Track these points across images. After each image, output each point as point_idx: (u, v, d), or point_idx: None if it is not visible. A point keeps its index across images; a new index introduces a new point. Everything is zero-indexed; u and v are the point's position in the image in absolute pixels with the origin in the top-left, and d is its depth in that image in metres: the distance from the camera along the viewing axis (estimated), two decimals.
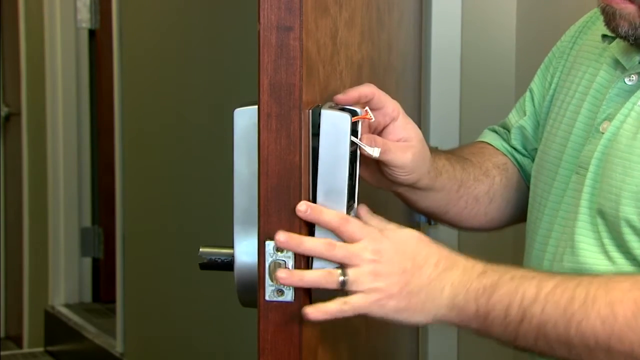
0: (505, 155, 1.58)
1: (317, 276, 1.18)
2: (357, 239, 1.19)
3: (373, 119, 1.26)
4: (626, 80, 1.34)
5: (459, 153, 1.55)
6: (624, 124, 1.31)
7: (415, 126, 1.37)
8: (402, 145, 1.34)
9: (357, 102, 1.26)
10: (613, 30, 1.30)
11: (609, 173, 1.30)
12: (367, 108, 1.26)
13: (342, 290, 1.19)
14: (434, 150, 1.47)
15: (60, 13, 4.40)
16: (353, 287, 1.18)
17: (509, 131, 1.58)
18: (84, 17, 4.37)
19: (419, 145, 1.37)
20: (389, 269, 1.19)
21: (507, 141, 1.58)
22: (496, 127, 1.61)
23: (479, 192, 1.52)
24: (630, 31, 1.29)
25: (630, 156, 1.28)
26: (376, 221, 1.25)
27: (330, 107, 1.21)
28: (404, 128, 1.35)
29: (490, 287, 1.20)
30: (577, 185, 1.36)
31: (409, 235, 1.22)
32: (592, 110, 1.38)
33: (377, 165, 1.36)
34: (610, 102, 1.35)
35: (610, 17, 1.30)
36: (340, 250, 1.18)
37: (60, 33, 4.42)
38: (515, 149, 1.57)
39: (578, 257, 1.32)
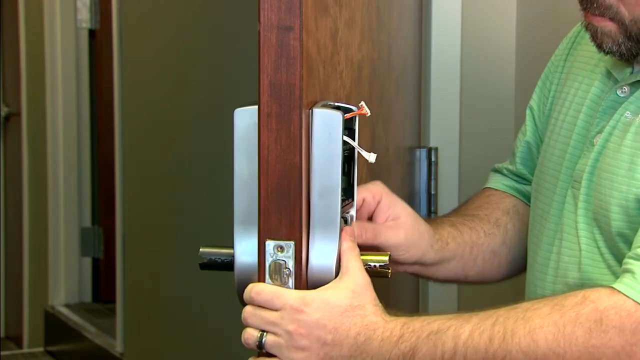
0: (513, 195, 1.56)
1: (243, 335, 1.21)
2: (274, 308, 1.19)
3: (369, 114, 1.25)
4: (618, 92, 1.33)
5: (464, 211, 1.54)
6: (612, 136, 1.31)
7: (402, 203, 1.39)
8: (392, 225, 1.37)
9: None
10: (598, 46, 1.30)
11: (599, 188, 1.30)
12: (362, 103, 1.25)
13: (261, 351, 1.21)
14: (436, 221, 1.47)
15: (60, 13, 4.40)
16: (272, 352, 1.20)
17: (514, 153, 1.56)
18: (84, 17, 4.37)
19: (409, 220, 1.38)
20: (307, 343, 1.19)
21: (512, 174, 1.56)
22: (498, 166, 1.60)
23: (494, 245, 1.51)
24: (614, 47, 1.28)
25: (617, 169, 1.28)
26: (349, 245, 1.24)
27: (324, 106, 1.21)
28: (389, 207, 1.37)
29: (409, 352, 1.19)
30: (573, 199, 1.35)
31: (336, 301, 1.20)
32: (588, 121, 1.38)
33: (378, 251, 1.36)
34: (603, 115, 1.34)
35: (593, 35, 1.29)
36: (254, 319, 1.20)
37: (60, 33, 4.42)
38: (520, 177, 1.55)
39: (582, 273, 1.32)
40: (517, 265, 1.54)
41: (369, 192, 1.37)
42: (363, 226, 1.33)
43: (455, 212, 1.56)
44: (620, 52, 1.28)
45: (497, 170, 1.60)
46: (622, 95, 1.33)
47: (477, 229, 1.50)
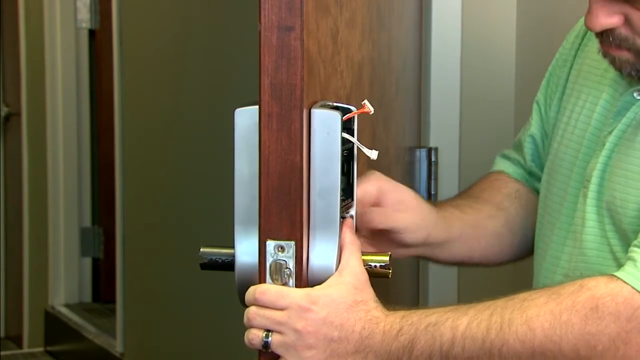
0: (519, 181, 1.56)
1: (246, 335, 1.21)
2: (280, 308, 1.19)
3: (372, 111, 1.25)
4: (635, 94, 1.34)
5: (468, 193, 1.56)
6: (625, 133, 1.31)
7: (404, 187, 1.43)
8: (399, 208, 1.40)
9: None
10: (618, 71, 1.32)
11: (612, 185, 1.30)
12: (365, 101, 1.25)
13: (267, 352, 1.20)
14: (440, 203, 1.50)
15: (60, 13, 4.40)
16: (278, 351, 1.20)
17: (522, 148, 1.56)
18: (84, 17, 4.37)
19: (413, 202, 1.42)
20: (314, 341, 1.19)
21: (522, 165, 1.57)
22: (507, 153, 1.60)
23: (497, 227, 1.52)
24: (633, 72, 1.30)
25: (631, 166, 1.28)
26: (350, 238, 1.24)
27: (322, 106, 1.21)
28: (392, 192, 1.41)
29: (408, 344, 1.20)
30: (584, 199, 1.35)
31: (341, 298, 1.21)
32: (602, 122, 1.38)
33: (386, 238, 1.40)
34: (616, 116, 1.35)
35: (612, 62, 1.31)
36: (259, 319, 1.20)
37: (60, 33, 4.42)
38: (531, 172, 1.56)
39: (593, 273, 1.31)
40: (520, 250, 1.55)
41: (367, 182, 1.39)
42: (372, 211, 1.36)
43: (459, 195, 1.58)
44: (639, 76, 1.30)
45: (506, 157, 1.60)
46: (638, 97, 1.34)
47: (481, 210, 1.51)
